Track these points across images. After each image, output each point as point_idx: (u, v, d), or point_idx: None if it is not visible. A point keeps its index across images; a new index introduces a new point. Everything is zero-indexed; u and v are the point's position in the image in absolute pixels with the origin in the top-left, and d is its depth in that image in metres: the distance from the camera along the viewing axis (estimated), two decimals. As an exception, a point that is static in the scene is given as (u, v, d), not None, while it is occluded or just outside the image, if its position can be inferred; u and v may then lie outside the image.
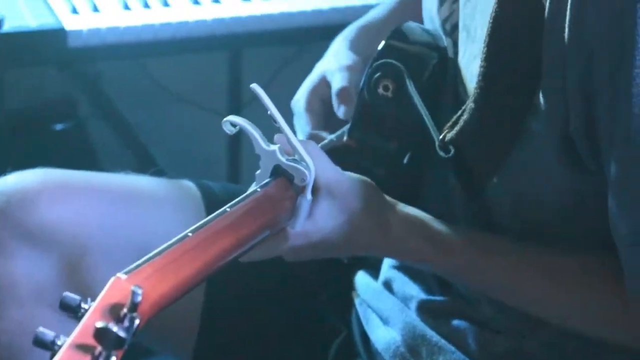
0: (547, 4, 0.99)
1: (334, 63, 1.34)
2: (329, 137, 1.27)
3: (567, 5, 0.97)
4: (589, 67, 0.97)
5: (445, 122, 1.13)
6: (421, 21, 1.32)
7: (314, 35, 1.97)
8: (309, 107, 1.33)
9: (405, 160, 1.21)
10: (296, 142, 1.04)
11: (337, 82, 1.32)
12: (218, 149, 2.49)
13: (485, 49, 1.05)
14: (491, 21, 1.04)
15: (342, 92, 1.31)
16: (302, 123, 1.33)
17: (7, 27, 1.77)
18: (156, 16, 1.88)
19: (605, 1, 0.95)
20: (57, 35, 1.81)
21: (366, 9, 1.78)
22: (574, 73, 0.98)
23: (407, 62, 1.19)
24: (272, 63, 2.46)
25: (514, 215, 1.11)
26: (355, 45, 1.38)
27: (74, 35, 1.82)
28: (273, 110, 1.02)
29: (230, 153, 2.50)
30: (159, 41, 1.87)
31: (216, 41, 1.93)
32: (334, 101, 1.31)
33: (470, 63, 1.14)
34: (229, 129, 1.04)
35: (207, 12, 1.90)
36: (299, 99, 1.35)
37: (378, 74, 1.19)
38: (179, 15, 1.89)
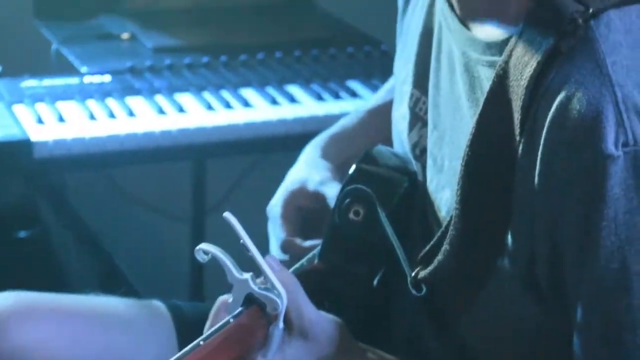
0: (519, 151, 1.01)
1: (314, 173, 1.37)
2: (300, 261, 1.29)
3: (537, 157, 0.99)
4: (556, 217, 0.99)
5: (414, 249, 1.16)
6: (388, 130, 1.36)
7: (276, 144, 2.00)
8: (285, 213, 1.35)
9: (375, 283, 1.23)
10: (268, 271, 1.05)
11: (333, 190, 1.33)
12: (182, 256, 2.50)
13: (459, 192, 1.06)
14: (463, 165, 1.06)
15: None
16: (277, 230, 1.35)
17: (-26, 140, 1.79)
18: (122, 126, 1.90)
19: (575, 156, 0.96)
20: (22, 146, 1.83)
21: (328, 119, 1.82)
22: (541, 221, 1.00)
23: (378, 186, 1.22)
24: (234, 170, 2.48)
25: (483, 340, 1.12)
26: (327, 154, 1.40)
27: (40, 146, 1.84)
28: (246, 239, 1.04)
29: (194, 259, 2.51)
30: (124, 151, 1.89)
31: (181, 151, 1.96)
32: None
33: (439, 192, 1.17)
34: (201, 257, 1.06)
35: (173, 123, 1.93)
36: (275, 205, 1.37)
37: (349, 199, 1.21)
38: (144, 126, 1.91)
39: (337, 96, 2.08)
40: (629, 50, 0.97)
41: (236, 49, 2.22)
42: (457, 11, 1.12)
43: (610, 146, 0.94)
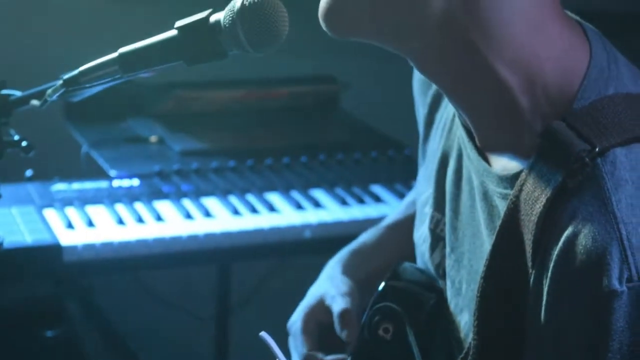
0: (531, 282, 1.03)
1: (332, 288, 1.40)
2: None
3: (544, 291, 1.01)
4: (563, 348, 1.00)
5: None
6: (407, 245, 1.39)
7: (301, 248, 2.04)
8: (306, 328, 1.38)
9: None
10: None
11: (339, 305, 1.36)
12: (207, 355, 2.52)
13: (476, 322, 1.08)
14: (478, 295, 1.08)
15: (344, 316, 1.35)
16: (299, 344, 1.37)
17: (6, 244, 1.83)
18: (150, 231, 1.94)
19: (580, 290, 0.98)
20: (52, 250, 1.87)
21: (352, 224, 1.86)
22: (549, 351, 1.02)
23: (406, 303, 1.25)
24: (259, 272, 2.51)
25: None
26: (348, 270, 1.43)
27: (69, 250, 1.88)
28: (280, 356, 1.08)
29: (219, 357, 2.53)
30: (152, 255, 1.93)
31: (208, 255, 1.99)
32: (337, 324, 1.35)
33: (458, 314, 1.20)
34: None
35: (200, 227, 1.97)
36: (296, 321, 1.40)
37: (378, 317, 1.25)
38: (172, 230, 1.95)
39: (360, 201, 2.11)
40: (634, 188, 1.00)
41: (262, 152, 2.26)
42: (477, 142, 1.15)
43: (614, 282, 0.96)
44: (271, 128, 2.50)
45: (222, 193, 2.11)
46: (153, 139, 2.36)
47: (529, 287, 1.03)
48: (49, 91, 1.24)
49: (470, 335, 1.11)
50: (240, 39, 1.07)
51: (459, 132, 1.20)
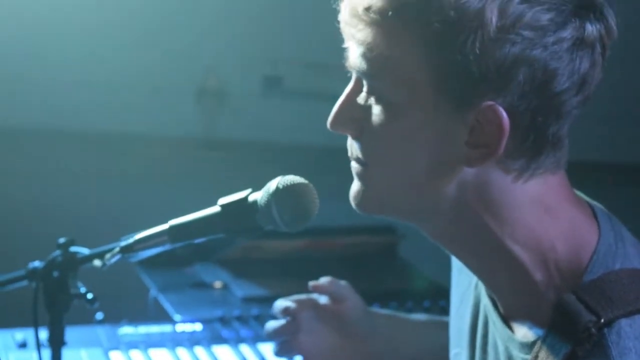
0: None
1: None
2: None
3: None
4: None
5: None
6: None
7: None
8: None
9: None
10: None
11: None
12: None
13: None
14: None
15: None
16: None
17: (72, 385, 1.95)
18: (207, 375, 2.05)
19: None
20: (116, 392, 1.98)
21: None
22: None
23: None
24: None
25: None
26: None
27: (132, 392, 1.99)
28: None
29: None
30: (208, 399, 2.03)
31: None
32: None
33: None
34: None
35: (254, 373, 2.07)
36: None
37: None
38: (228, 375, 2.05)
39: (411, 350, 2.20)
40: (637, 356, 1.10)
41: (319, 300, 2.37)
42: (501, 310, 1.26)
43: None
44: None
45: (279, 340, 2.21)
46: (217, 284, 2.49)
47: None
48: (108, 255, 1.38)
49: None
50: (274, 217, 1.20)
51: (484, 301, 1.30)
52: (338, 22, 1.24)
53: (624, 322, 1.12)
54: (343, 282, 1.59)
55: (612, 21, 1.18)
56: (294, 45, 3.42)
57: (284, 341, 1.61)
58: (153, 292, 2.45)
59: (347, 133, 1.25)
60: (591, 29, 1.16)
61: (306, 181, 1.24)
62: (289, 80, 3.48)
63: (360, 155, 1.24)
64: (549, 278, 1.19)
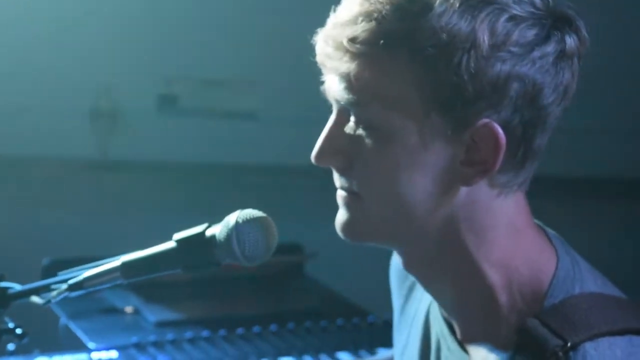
0: None
1: None
2: None
3: None
4: None
5: None
6: None
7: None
8: None
9: None
10: None
11: None
12: None
13: None
14: None
15: None
16: None
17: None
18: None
19: None
20: None
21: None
22: None
23: None
24: None
25: None
26: None
27: None
28: None
29: None
30: None
31: None
32: None
33: None
34: None
35: (176, 399, 2.07)
36: None
37: None
38: (150, 403, 2.05)
39: (327, 368, 2.23)
40: None
41: (234, 322, 2.37)
42: (458, 334, 1.28)
43: None
44: (241, 297, 2.62)
45: (197, 364, 2.21)
46: (128, 309, 2.47)
47: None
48: (54, 294, 1.35)
49: None
50: (234, 252, 1.20)
51: (438, 326, 1.33)
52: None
53: (588, 346, 1.15)
54: None
55: (585, 32, 1.22)
56: (188, 63, 3.41)
57: None
58: (63, 319, 2.41)
59: (334, 166, 1.25)
60: (570, 41, 1.20)
61: (265, 215, 1.24)
62: (184, 99, 3.46)
63: (351, 186, 1.24)
64: (512, 301, 1.22)
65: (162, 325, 2.39)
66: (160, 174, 3.40)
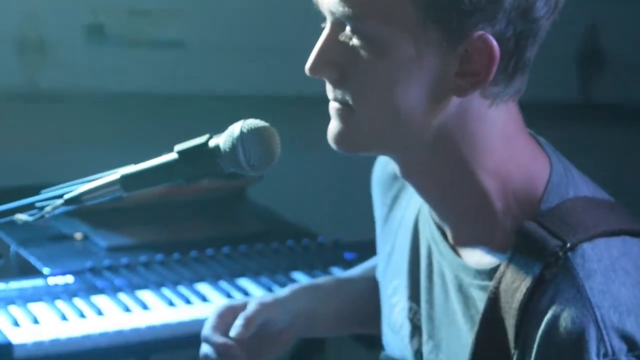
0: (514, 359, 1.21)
1: (265, 296, 1.62)
2: None
3: None
4: None
5: None
6: (350, 299, 1.65)
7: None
8: (221, 314, 1.56)
9: None
10: None
11: (251, 308, 1.56)
12: None
13: None
14: None
15: (247, 317, 1.54)
16: (207, 324, 1.56)
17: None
18: (93, 326, 2.05)
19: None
20: (4, 349, 1.96)
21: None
22: None
23: None
24: None
25: None
26: (293, 296, 1.62)
27: (20, 349, 1.97)
28: None
29: None
30: (97, 349, 2.04)
31: (147, 346, 2.11)
32: (238, 319, 1.54)
33: None
34: None
35: (140, 320, 2.09)
36: (220, 307, 1.59)
37: None
38: (114, 324, 2.07)
39: (285, 287, 2.26)
40: (601, 276, 1.18)
41: (186, 245, 2.40)
42: (450, 239, 1.33)
43: (593, 357, 1.14)
44: (186, 222, 2.65)
45: (155, 286, 2.23)
46: (78, 235, 2.47)
47: None
48: (48, 208, 1.34)
49: None
50: (240, 161, 1.22)
51: (428, 231, 1.37)
52: None
53: (586, 246, 1.20)
54: (251, 308, 1.57)
55: None
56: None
57: None
58: (14, 247, 2.40)
59: (328, 77, 1.26)
60: None
61: (268, 124, 1.26)
62: (111, 28, 3.42)
63: (345, 98, 1.26)
64: (507, 206, 1.26)
65: (113, 250, 2.40)
66: (90, 104, 3.37)
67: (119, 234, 2.49)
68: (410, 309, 1.44)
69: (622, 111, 3.57)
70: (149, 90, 3.44)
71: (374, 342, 2.36)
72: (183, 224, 2.62)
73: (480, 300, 1.26)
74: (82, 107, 3.37)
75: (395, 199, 1.52)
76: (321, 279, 1.71)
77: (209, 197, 2.74)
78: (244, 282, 2.30)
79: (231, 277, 2.31)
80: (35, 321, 2.05)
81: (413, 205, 1.45)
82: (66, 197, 1.32)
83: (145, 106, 3.44)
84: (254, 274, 2.33)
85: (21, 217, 1.44)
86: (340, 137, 1.27)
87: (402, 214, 1.49)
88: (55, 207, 1.35)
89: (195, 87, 3.49)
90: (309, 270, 2.37)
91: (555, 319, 1.16)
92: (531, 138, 1.32)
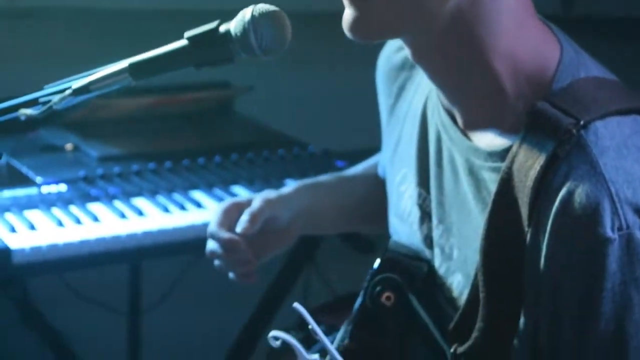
0: (528, 239, 1.22)
1: (269, 192, 1.64)
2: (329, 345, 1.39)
3: (543, 242, 1.19)
4: (559, 292, 1.19)
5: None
6: (354, 194, 1.68)
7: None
8: (226, 209, 1.60)
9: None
10: (333, 350, 1.26)
11: (256, 204, 1.60)
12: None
13: (482, 276, 1.25)
14: (481, 253, 1.25)
15: (252, 213, 1.58)
16: (213, 219, 1.60)
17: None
18: (90, 232, 2.07)
19: (579, 240, 1.17)
20: (2, 254, 1.97)
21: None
22: (545, 298, 1.21)
23: (403, 273, 1.44)
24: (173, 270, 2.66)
25: None
26: (298, 193, 1.66)
27: (18, 253, 1.98)
28: (314, 325, 1.24)
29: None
30: (94, 254, 2.05)
31: (140, 252, 2.13)
32: (244, 215, 1.58)
33: (449, 276, 1.39)
34: (273, 343, 1.24)
35: (137, 226, 2.11)
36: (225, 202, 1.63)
37: (380, 287, 1.44)
38: (111, 230, 2.09)
39: (279, 193, 2.29)
40: (615, 153, 1.20)
41: (177, 155, 2.41)
42: (460, 123, 1.34)
43: (608, 231, 1.16)
44: (175, 133, 2.65)
45: (150, 194, 2.24)
46: (68, 146, 2.47)
47: (526, 243, 1.22)
48: (56, 99, 1.33)
49: (465, 292, 1.30)
50: (251, 45, 1.21)
51: (438, 118, 1.39)
52: None
53: (598, 124, 1.21)
54: (257, 204, 1.60)
55: None
56: None
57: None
58: (5, 157, 2.40)
59: None
60: None
61: (278, 8, 1.25)
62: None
63: None
64: (518, 88, 1.27)
65: (105, 160, 2.40)
66: (68, 20, 3.33)
67: (110, 145, 2.49)
68: (420, 195, 1.46)
69: (606, 26, 3.58)
70: (123, 6, 3.41)
71: (368, 246, 2.41)
72: (172, 135, 2.62)
73: (492, 181, 1.28)
74: (54, 22, 3.34)
75: (401, 89, 1.53)
76: (324, 177, 1.73)
77: (197, 109, 2.74)
78: (238, 189, 2.31)
79: (225, 184, 2.32)
80: (32, 227, 2.06)
81: (420, 93, 1.47)
82: (74, 86, 1.31)
83: (119, 22, 3.42)
84: (248, 182, 2.34)
85: (26, 111, 1.42)
86: (355, 24, 1.27)
87: (408, 103, 1.50)
88: (64, 98, 1.33)
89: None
90: (302, 177, 2.36)
91: (570, 194, 1.18)
92: (542, 23, 1.33)
